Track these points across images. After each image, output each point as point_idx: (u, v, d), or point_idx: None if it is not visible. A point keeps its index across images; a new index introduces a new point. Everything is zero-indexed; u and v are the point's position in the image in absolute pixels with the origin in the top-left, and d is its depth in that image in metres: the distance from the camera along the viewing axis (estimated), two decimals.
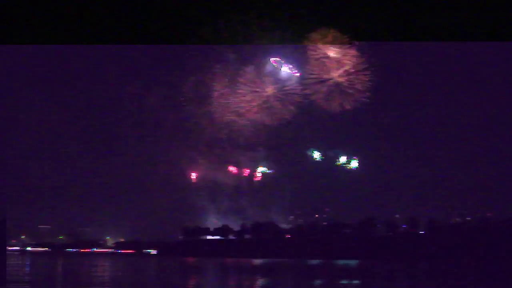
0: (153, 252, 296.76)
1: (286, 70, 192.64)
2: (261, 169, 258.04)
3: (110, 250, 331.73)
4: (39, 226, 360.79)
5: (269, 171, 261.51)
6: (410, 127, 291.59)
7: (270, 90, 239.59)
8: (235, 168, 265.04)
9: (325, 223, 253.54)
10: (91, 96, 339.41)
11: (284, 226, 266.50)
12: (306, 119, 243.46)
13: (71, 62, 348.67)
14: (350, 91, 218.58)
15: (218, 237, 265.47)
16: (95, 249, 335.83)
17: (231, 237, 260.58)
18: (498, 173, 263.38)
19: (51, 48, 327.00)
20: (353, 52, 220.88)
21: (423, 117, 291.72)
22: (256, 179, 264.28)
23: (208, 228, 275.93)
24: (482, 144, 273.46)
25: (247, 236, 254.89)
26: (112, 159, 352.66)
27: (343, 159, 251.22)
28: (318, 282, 68.11)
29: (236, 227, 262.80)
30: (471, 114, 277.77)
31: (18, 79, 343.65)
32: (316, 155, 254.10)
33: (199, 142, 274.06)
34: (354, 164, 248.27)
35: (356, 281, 69.40)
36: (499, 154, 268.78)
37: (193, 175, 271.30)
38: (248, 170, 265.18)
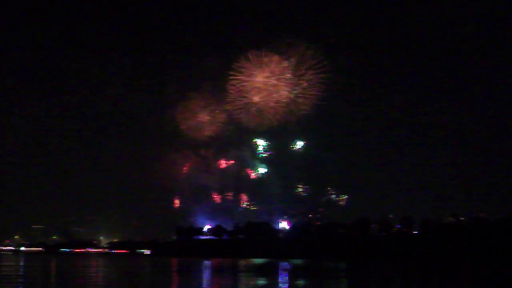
0: (147, 252, 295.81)
1: None
2: (245, 203, 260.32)
3: (104, 250, 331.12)
4: (32, 226, 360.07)
5: (254, 208, 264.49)
6: (406, 130, 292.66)
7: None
8: (219, 195, 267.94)
9: (319, 223, 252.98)
10: (82, 98, 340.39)
11: (277, 226, 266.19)
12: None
13: (58, 63, 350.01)
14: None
15: (211, 237, 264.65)
16: (89, 249, 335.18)
17: (224, 237, 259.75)
18: (491, 175, 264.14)
19: (39, 49, 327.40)
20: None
21: (419, 121, 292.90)
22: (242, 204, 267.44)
23: (202, 228, 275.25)
24: (476, 147, 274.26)
25: (240, 236, 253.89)
26: (104, 160, 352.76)
27: (331, 195, 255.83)
28: (302, 282, 67.40)
29: (229, 227, 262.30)
30: (465, 118, 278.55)
31: (7, 81, 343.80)
32: (301, 189, 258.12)
33: (184, 144, 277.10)
34: (343, 203, 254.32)
35: (344, 281, 68.72)
36: (492, 156, 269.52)
37: (177, 202, 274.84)
38: (232, 196, 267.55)
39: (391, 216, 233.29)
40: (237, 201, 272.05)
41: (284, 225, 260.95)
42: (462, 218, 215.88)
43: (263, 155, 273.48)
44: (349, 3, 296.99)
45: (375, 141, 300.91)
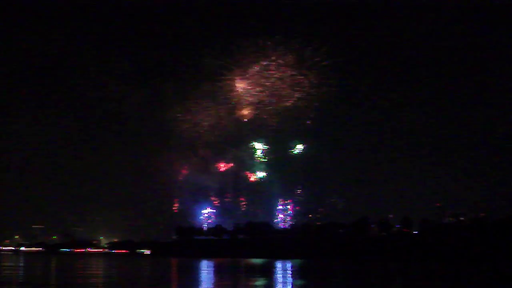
0: (147, 252, 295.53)
1: None
2: (244, 206, 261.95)
3: (104, 250, 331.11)
4: (32, 226, 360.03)
5: (253, 210, 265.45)
6: (406, 130, 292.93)
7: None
8: (217, 198, 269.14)
9: (318, 223, 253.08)
10: (81, 99, 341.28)
11: (277, 226, 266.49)
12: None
13: (56, 62, 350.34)
14: None
15: (211, 237, 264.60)
16: (89, 249, 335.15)
17: (224, 237, 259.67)
18: (491, 175, 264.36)
19: (36, 48, 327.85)
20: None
21: (419, 121, 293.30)
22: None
23: (202, 228, 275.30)
24: (476, 147, 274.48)
25: (240, 236, 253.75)
26: (104, 161, 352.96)
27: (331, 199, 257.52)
28: (302, 282, 67.44)
29: (229, 227, 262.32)
30: (464, 119, 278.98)
31: (7, 81, 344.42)
32: (299, 191, 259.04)
33: (183, 145, 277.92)
34: (341, 205, 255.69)
35: (343, 281, 68.75)
36: (492, 157, 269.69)
37: (176, 206, 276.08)
38: (231, 199, 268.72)
39: (391, 216, 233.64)
40: (236, 203, 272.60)
41: (289, 208, 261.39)
42: (462, 218, 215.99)
43: (262, 159, 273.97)
44: (348, 4, 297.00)
45: (375, 141, 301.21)
